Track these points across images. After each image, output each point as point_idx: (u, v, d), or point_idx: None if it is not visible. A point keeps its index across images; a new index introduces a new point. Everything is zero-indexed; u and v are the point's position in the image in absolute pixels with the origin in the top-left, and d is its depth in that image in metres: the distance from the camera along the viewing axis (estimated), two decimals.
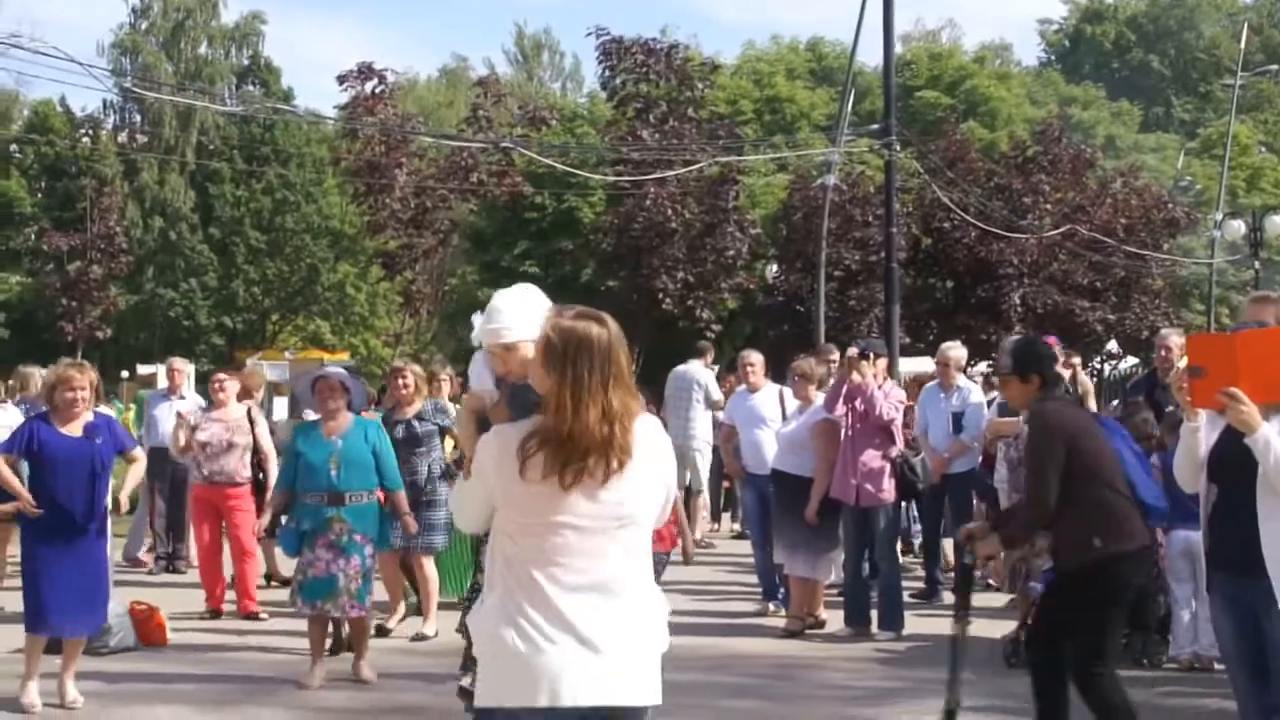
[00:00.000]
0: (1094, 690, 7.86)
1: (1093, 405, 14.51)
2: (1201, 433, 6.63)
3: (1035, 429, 7.85)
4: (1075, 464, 7.60)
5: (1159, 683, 11.15)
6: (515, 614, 4.83)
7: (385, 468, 11.46)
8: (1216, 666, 10.28)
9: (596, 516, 4.90)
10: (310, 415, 13.03)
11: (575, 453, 4.84)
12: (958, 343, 16.37)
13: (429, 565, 13.07)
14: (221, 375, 14.99)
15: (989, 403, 15.17)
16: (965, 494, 15.20)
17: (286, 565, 15.28)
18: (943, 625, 13.60)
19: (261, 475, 14.50)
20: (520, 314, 7.13)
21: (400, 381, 13.29)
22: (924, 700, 10.52)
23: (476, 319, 7.27)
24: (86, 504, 10.18)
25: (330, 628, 11.55)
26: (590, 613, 4.87)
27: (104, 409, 12.25)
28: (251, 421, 14.56)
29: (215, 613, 13.97)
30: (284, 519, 11.94)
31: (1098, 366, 42.68)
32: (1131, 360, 40.84)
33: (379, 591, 12.28)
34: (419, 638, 12.52)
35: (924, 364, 24.00)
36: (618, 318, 5.39)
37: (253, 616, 13.90)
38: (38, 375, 17.82)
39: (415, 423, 13.03)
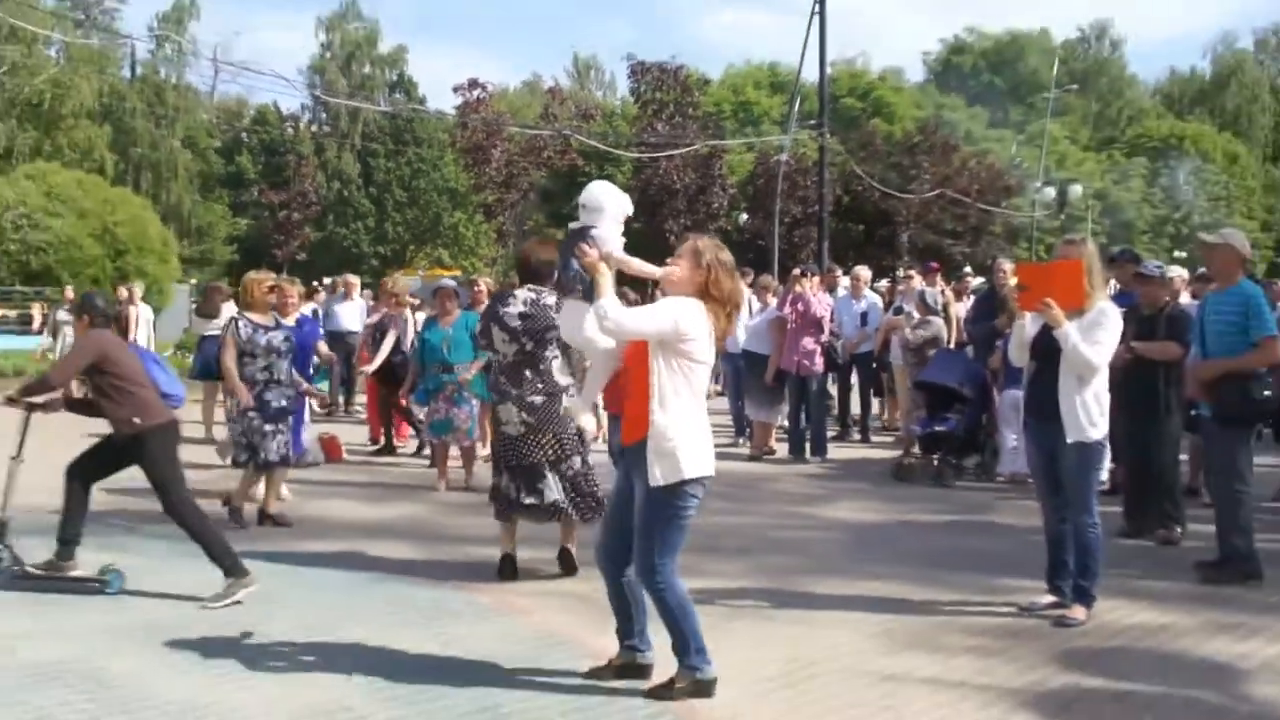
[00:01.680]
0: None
1: (954, 309, 14.38)
2: (1028, 327, 6.59)
3: (83, 344, 7.31)
4: (112, 368, 7.13)
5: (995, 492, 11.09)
6: (700, 416, 5.22)
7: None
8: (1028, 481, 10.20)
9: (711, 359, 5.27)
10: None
11: (734, 311, 5.32)
12: (865, 267, 16.24)
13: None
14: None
15: (886, 307, 15.09)
16: (868, 367, 15.16)
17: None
18: (849, 453, 13.65)
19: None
20: None
21: (475, 288, 12.88)
22: (841, 501, 10.54)
23: (607, 192, 5.91)
24: (299, 372, 10.10)
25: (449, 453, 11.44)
26: None
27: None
28: (405, 322, 13.89)
29: (375, 442, 13.92)
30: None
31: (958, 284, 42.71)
32: (980, 279, 40.93)
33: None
34: None
35: (845, 281, 23.85)
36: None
37: (393, 445, 13.61)
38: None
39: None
